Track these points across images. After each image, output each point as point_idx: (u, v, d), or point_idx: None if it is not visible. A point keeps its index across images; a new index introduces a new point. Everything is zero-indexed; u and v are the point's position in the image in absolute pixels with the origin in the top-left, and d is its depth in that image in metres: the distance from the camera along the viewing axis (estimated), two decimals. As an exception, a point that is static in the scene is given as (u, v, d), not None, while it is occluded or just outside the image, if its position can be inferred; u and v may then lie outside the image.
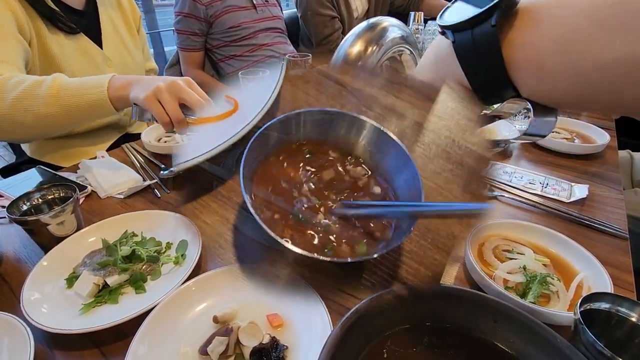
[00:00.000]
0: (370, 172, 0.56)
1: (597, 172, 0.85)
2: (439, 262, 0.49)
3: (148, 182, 0.77)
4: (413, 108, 0.63)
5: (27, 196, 0.59)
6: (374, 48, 0.80)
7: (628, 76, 0.24)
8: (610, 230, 0.63)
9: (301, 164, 0.55)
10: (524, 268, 0.52)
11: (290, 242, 0.44)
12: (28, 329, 0.43)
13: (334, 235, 0.48)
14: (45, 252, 0.56)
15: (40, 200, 0.60)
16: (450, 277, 0.55)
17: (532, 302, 0.47)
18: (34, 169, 0.85)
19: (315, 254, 0.42)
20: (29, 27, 0.85)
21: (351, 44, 0.81)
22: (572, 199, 0.72)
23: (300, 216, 0.49)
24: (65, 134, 1.00)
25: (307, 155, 0.55)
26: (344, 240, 0.48)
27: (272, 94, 0.59)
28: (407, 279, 0.53)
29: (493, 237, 0.59)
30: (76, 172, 0.82)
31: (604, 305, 0.42)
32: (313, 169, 0.54)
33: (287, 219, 0.49)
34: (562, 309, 0.47)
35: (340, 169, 0.56)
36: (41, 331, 0.45)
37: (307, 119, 0.55)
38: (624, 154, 1.18)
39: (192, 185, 0.49)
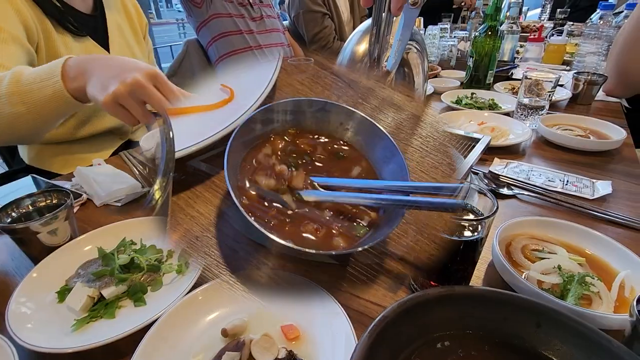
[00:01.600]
0: (359, 160, 0.55)
1: (616, 168, 0.81)
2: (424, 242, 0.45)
3: (147, 189, 0.72)
4: (411, 101, 0.61)
5: (16, 203, 0.55)
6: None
7: None
8: (643, 227, 0.59)
9: (288, 150, 0.54)
10: (559, 268, 0.48)
11: (277, 234, 0.40)
12: (14, 348, 0.38)
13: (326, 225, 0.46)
14: (36, 264, 0.51)
15: (31, 207, 0.56)
16: (477, 280, 0.51)
17: (574, 304, 0.43)
18: (28, 177, 0.81)
19: (300, 247, 0.40)
20: (37, 29, 0.83)
21: (357, 41, 0.79)
22: (596, 196, 0.68)
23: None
24: (65, 140, 0.97)
25: (296, 142, 0.55)
26: (339, 229, 0.46)
27: (269, 83, 0.57)
28: (397, 267, 0.50)
29: (520, 237, 0.55)
30: (71, 180, 0.78)
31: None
32: (300, 151, 0.54)
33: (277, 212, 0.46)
34: (607, 311, 0.43)
35: (328, 150, 0.55)
36: (28, 351, 0.40)
37: (293, 108, 0.54)
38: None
39: (185, 175, 0.47)
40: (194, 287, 0.46)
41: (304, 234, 0.44)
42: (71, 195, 0.56)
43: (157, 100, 0.58)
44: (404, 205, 0.43)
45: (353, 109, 0.54)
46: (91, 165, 0.83)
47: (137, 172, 0.82)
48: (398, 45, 0.58)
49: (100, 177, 0.74)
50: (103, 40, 0.99)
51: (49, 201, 0.57)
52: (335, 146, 0.55)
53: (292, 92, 0.61)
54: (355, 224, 0.47)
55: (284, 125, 0.54)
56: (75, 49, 0.91)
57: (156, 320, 0.42)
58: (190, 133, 0.52)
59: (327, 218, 0.46)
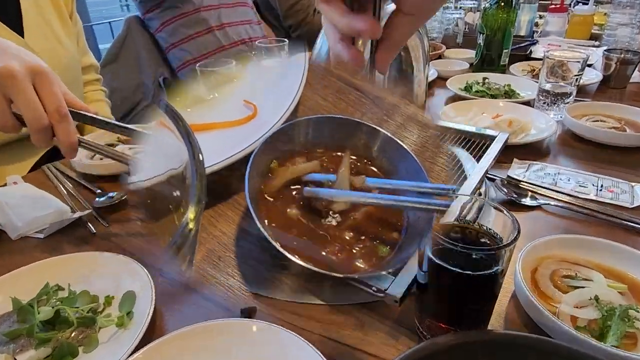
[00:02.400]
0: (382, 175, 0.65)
1: (658, 167, 0.83)
2: None
3: (79, 214, 0.70)
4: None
5: None
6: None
7: None
8: (694, 241, 0.60)
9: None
10: (596, 299, 0.48)
11: (298, 256, 0.49)
12: None
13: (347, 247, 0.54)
14: None
15: None
16: (499, 318, 0.51)
17: (615, 347, 0.43)
18: None
19: (323, 270, 0.47)
20: None
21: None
22: (636, 204, 0.69)
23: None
24: None
25: (323, 158, 0.64)
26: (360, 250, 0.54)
27: (294, 100, 0.66)
28: (398, 307, 0.52)
29: (548, 260, 0.55)
30: (-22, 207, 0.74)
31: None
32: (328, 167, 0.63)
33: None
34: (656, 353, 0.43)
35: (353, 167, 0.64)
36: None
37: (318, 126, 0.63)
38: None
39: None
40: (140, 344, 0.44)
41: (324, 255, 0.52)
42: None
43: (25, 100, 0.50)
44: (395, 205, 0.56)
45: (378, 127, 0.64)
46: (5, 184, 0.80)
47: (65, 192, 0.79)
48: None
49: (16, 201, 0.71)
50: (15, 23, 0.97)
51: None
52: (359, 164, 0.65)
53: (315, 108, 0.71)
54: (377, 243, 0.55)
55: (306, 143, 0.64)
56: None
57: (90, 393, 0.40)
58: (212, 151, 0.58)
59: (348, 238, 0.55)
